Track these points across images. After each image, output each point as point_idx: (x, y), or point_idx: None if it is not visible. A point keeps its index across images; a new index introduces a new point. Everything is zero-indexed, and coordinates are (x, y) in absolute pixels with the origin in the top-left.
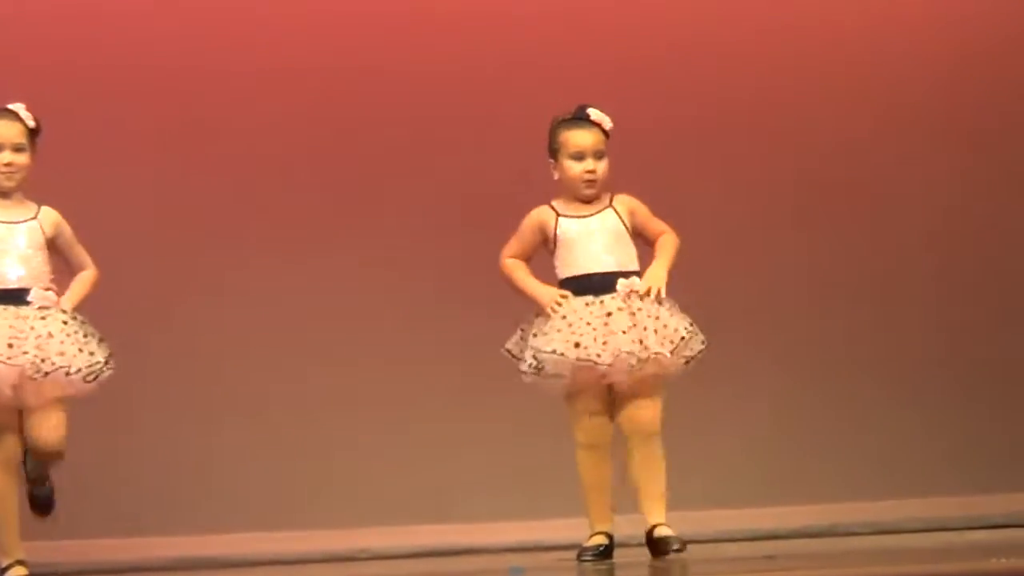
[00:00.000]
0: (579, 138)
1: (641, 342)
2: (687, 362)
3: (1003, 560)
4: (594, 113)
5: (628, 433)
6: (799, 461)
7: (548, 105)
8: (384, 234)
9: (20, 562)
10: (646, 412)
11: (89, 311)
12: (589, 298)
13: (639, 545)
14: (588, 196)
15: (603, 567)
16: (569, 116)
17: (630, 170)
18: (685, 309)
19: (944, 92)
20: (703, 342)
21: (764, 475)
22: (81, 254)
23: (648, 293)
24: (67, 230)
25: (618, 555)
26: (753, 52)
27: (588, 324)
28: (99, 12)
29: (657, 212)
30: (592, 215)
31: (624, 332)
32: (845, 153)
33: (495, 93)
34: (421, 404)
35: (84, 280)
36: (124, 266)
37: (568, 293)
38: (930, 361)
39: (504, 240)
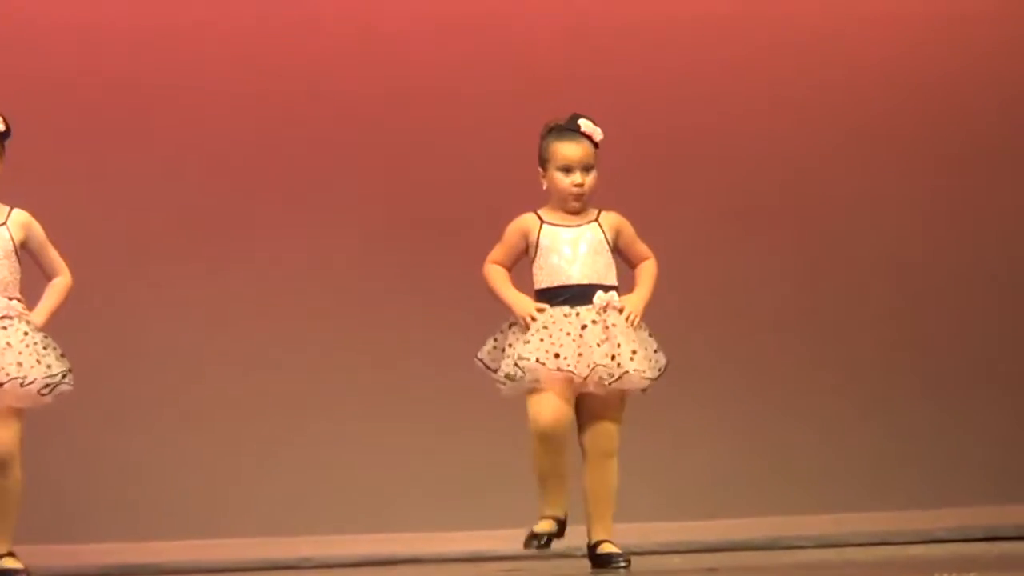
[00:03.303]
0: (568, 150)
1: (613, 357)
2: (646, 387)
3: (945, 575)
4: (585, 125)
5: (587, 450)
6: (742, 474)
7: (519, 110)
8: (333, 240)
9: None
10: (607, 431)
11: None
12: (566, 309)
13: (583, 557)
14: (575, 208)
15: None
16: (561, 125)
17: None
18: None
19: (909, 108)
20: (661, 368)
21: (707, 488)
22: (53, 259)
23: (627, 318)
24: (38, 233)
25: (563, 566)
26: (731, 66)
27: (568, 335)
28: (57, 21)
29: (633, 222)
30: (576, 226)
31: (598, 345)
32: (814, 168)
33: (467, 93)
34: (365, 412)
35: (56, 290)
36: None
37: (545, 306)
38: (873, 376)
39: (463, 245)
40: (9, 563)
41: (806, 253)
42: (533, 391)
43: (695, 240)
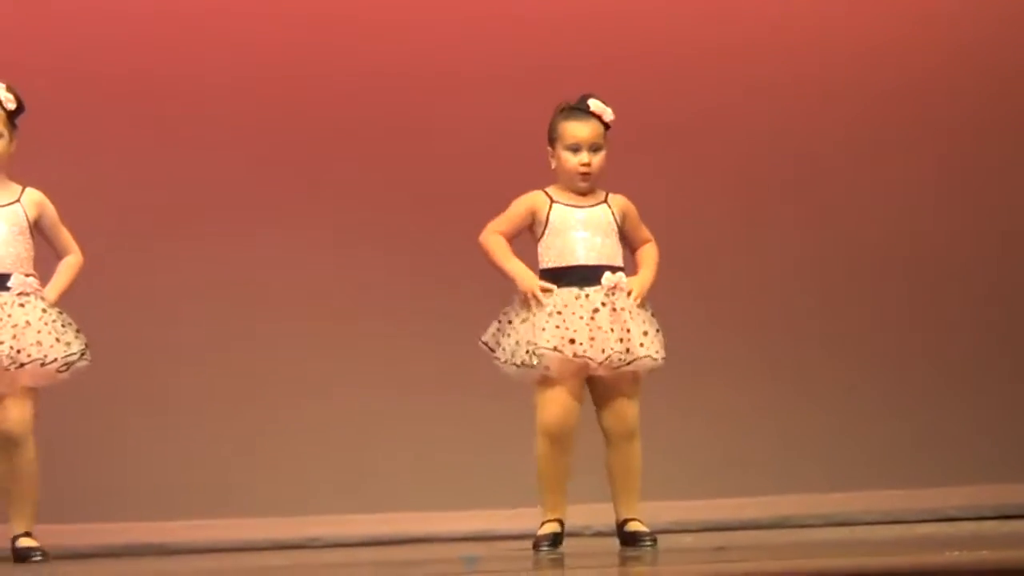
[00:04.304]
0: (576, 130)
1: (622, 341)
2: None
3: (956, 553)
4: (594, 104)
5: (609, 431)
6: (752, 453)
7: (525, 92)
8: (341, 220)
9: None
10: (628, 412)
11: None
12: (575, 290)
13: (594, 536)
14: (583, 188)
15: (555, 555)
16: (571, 105)
17: (615, 167)
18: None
19: (924, 92)
20: (661, 355)
21: (718, 467)
22: (65, 238)
23: (631, 297)
24: (51, 212)
25: (573, 544)
26: (738, 50)
27: (580, 319)
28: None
29: (645, 207)
30: (588, 207)
31: (611, 330)
32: (831, 151)
33: (475, 74)
34: (374, 392)
35: (68, 266)
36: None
37: (552, 287)
38: (884, 356)
39: (464, 226)
40: (26, 542)
41: (819, 237)
42: (543, 383)
43: (708, 225)
